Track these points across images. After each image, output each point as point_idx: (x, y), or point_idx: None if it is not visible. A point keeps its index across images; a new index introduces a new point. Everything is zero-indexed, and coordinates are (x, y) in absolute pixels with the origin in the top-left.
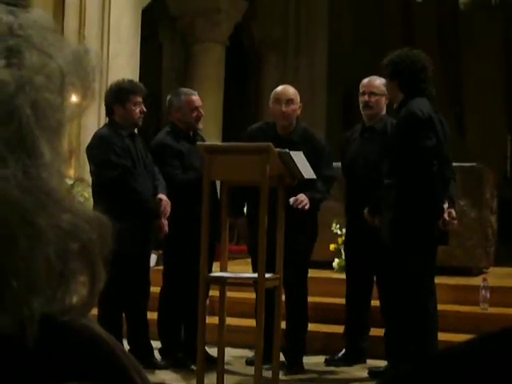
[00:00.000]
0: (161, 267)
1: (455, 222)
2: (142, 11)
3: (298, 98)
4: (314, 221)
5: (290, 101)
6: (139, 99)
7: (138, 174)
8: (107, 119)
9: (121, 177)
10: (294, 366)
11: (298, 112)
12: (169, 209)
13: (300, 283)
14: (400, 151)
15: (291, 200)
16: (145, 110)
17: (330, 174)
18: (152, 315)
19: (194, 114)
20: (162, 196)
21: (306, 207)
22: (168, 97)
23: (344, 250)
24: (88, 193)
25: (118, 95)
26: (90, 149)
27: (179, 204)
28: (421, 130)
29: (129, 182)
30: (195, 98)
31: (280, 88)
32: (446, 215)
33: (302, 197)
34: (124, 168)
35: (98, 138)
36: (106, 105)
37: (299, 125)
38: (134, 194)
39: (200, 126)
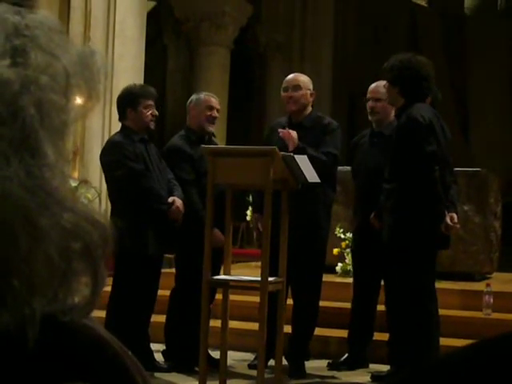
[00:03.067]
0: (168, 270)
1: (457, 226)
2: (148, 14)
3: (309, 85)
4: (326, 221)
5: (296, 86)
6: (150, 103)
7: (152, 177)
8: (120, 124)
9: (132, 179)
10: (296, 370)
11: (310, 99)
12: (182, 209)
13: (311, 287)
14: (401, 156)
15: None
16: (156, 113)
17: (328, 151)
18: (156, 317)
19: (209, 113)
20: (175, 198)
21: (291, 143)
22: (189, 100)
23: (351, 254)
24: (92, 194)
25: (129, 99)
26: (102, 155)
27: (190, 209)
28: (422, 136)
29: (143, 183)
30: (214, 100)
31: (289, 76)
32: (448, 219)
33: (293, 133)
34: (135, 171)
35: (110, 144)
36: (118, 110)
37: (314, 112)
38: (151, 193)
39: (211, 128)
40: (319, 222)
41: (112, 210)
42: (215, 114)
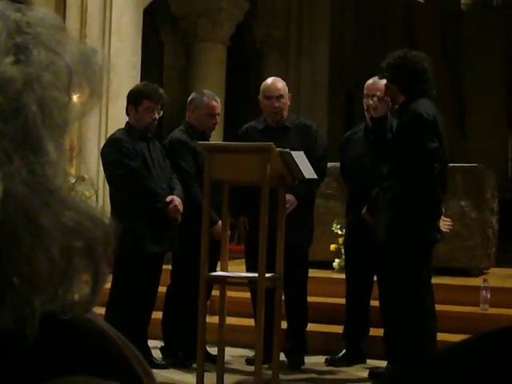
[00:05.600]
0: (165, 266)
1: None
2: (144, 10)
3: (287, 90)
4: (309, 216)
5: (280, 96)
6: (153, 105)
7: (152, 177)
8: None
9: (127, 176)
10: (296, 364)
11: (289, 103)
12: (180, 208)
13: (300, 281)
14: (402, 152)
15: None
16: (156, 117)
17: (322, 155)
18: (154, 314)
19: (211, 121)
20: (173, 197)
21: (291, 208)
22: (191, 95)
23: (344, 250)
24: (89, 192)
25: (133, 97)
26: (102, 152)
27: (193, 203)
28: (425, 132)
29: (138, 181)
30: (216, 104)
31: (269, 82)
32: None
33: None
34: (130, 168)
35: (110, 140)
36: (126, 104)
37: (290, 115)
38: (147, 191)
39: (211, 133)
40: (303, 216)
41: (111, 207)
42: (216, 120)
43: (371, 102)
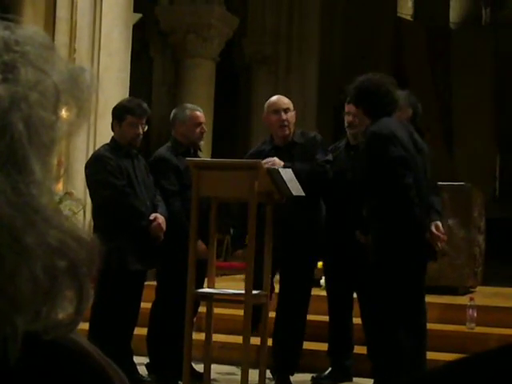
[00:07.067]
0: (150, 282)
1: (443, 236)
2: (134, 26)
3: (292, 106)
4: (317, 237)
5: (287, 109)
6: (136, 120)
7: (135, 194)
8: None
9: (113, 196)
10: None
11: (294, 120)
12: (163, 226)
13: (298, 301)
14: (371, 168)
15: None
16: (141, 132)
17: (327, 159)
18: (139, 331)
19: (198, 130)
20: (157, 215)
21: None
22: (173, 111)
23: (323, 268)
24: (76, 207)
25: (117, 112)
26: (86, 168)
27: (174, 220)
28: (384, 145)
29: (123, 200)
30: (200, 114)
31: (275, 98)
32: (433, 228)
33: (275, 159)
34: (115, 187)
35: (94, 157)
36: (111, 120)
37: (297, 129)
38: (131, 210)
39: (201, 142)
40: (316, 234)
41: (94, 225)
42: (204, 129)
43: (351, 119)
